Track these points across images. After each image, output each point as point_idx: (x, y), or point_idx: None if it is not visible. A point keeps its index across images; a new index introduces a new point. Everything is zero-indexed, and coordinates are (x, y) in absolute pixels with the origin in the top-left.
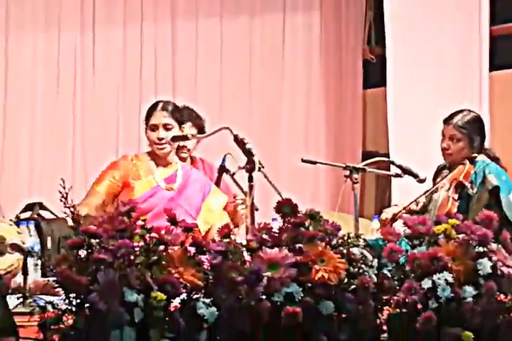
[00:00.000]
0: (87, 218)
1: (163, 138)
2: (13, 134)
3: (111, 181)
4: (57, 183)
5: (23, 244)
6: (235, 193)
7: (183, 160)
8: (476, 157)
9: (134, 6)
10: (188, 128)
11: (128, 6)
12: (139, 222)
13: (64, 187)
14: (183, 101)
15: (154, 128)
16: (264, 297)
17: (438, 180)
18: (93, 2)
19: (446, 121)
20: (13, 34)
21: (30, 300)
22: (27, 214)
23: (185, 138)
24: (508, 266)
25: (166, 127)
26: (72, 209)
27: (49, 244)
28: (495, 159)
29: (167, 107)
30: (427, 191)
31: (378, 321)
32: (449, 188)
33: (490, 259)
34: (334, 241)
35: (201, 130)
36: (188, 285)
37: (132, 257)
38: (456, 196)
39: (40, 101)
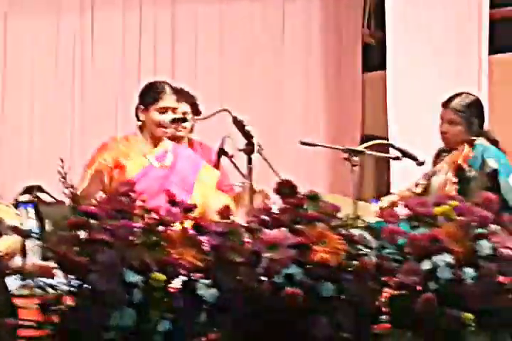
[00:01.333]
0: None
1: (174, 120)
2: (11, 117)
3: (101, 163)
4: (56, 166)
5: (22, 226)
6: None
7: (179, 139)
8: (474, 140)
9: None
10: (182, 105)
11: None
12: (138, 202)
13: (63, 167)
14: (183, 85)
15: (164, 110)
16: (264, 278)
17: (438, 163)
18: None
19: (445, 104)
20: (12, 18)
21: (30, 282)
22: (26, 197)
23: (184, 119)
24: (507, 248)
25: (174, 111)
26: (71, 190)
27: (48, 227)
28: (494, 142)
29: (173, 90)
30: (426, 174)
31: (378, 303)
32: (448, 171)
33: (490, 241)
34: (334, 223)
35: (194, 107)
36: (187, 266)
37: (132, 238)
38: (455, 179)
39: (39, 84)
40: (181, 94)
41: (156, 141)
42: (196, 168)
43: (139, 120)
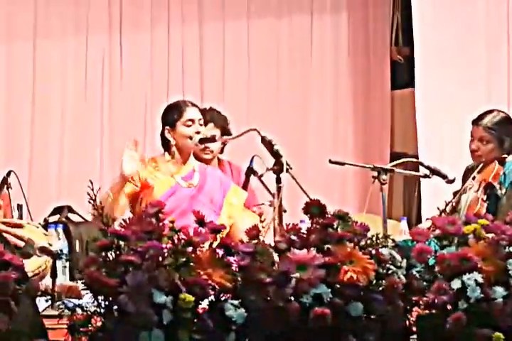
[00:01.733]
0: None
1: (199, 132)
2: (42, 138)
3: (130, 182)
4: (85, 187)
5: (51, 246)
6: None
7: (207, 161)
8: (505, 158)
9: (161, 9)
10: (211, 129)
11: (155, 9)
12: (167, 223)
13: (92, 189)
14: (211, 103)
15: (191, 123)
16: (292, 298)
17: (467, 181)
18: (120, 5)
19: (476, 122)
20: (41, 39)
21: (59, 303)
22: (55, 218)
23: (212, 140)
24: None
25: (200, 122)
26: (100, 211)
27: (77, 248)
28: None
29: (195, 104)
30: (456, 192)
31: (407, 322)
32: (478, 189)
33: None
34: (363, 242)
35: (225, 131)
36: (216, 286)
37: (161, 259)
38: (484, 197)
39: (69, 105)
40: (211, 117)
41: (183, 158)
42: (224, 189)
43: (165, 143)
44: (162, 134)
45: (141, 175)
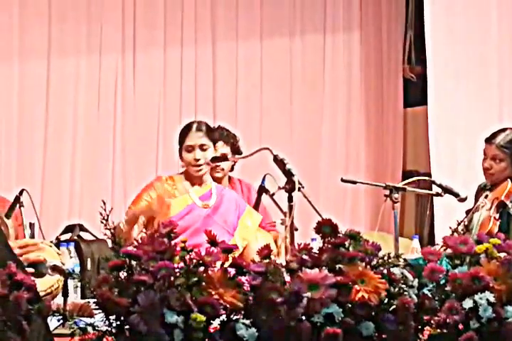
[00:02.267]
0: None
1: (199, 159)
2: (54, 156)
3: (147, 201)
4: (97, 205)
5: (63, 265)
6: (273, 221)
7: (218, 180)
8: None
9: (174, 29)
10: (220, 147)
11: (168, 29)
12: (179, 242)
13: (105, 209)
14: (224, 122)
15: (190, 149)
16: (304, 318)
17: (480, 199)
18: (134, 25)
19: (489, 140)
20: (55, 58)
21: (71, 322)
22: (67, 236)
23: (224, 158)
24: None
25: (202, 148)
26: (112, 231)
27: (89, 266)
28: None
29: (201, 127)
30: (469, 211)
31: None
32: (491, 207)
33: None
34: (374, 262)
35: (234, 148)
36: (227, 306)
37: (172, 278)
38: (497, 215)
39: (82, 124)
40: (220, 135)
41: (194, 179)
42: (240, 211)
43: (182, 160)
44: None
45: (159, 194)
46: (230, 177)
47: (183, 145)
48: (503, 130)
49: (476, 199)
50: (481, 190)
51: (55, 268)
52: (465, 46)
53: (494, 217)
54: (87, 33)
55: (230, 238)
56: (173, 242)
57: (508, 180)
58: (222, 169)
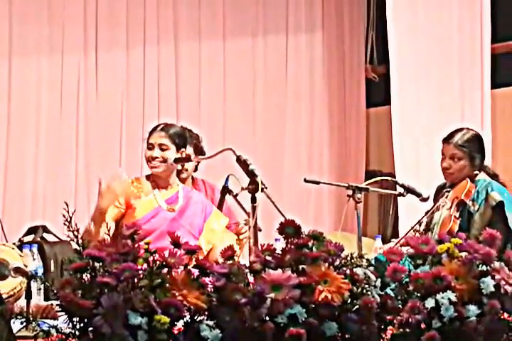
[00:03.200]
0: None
1: (156, 157)
2: (16, 157)
3: (115, 206)
4: (60, 206)
5: (26, 267)
6: (238, 221)
7: (183, 181)
8: (477, 175)
9: (136, 29)
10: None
11: (131, 29)
12: (142, 244)
13: (68, 211)
14: (186, 123)
15: (151, 147)
16: (267, 318)
17: (439, 199)
18: (96, 25)
19: (446, 140)
20: (16, 58)
21: (34, 324)
22: (30, 238)
23: (187, 159)
24: (511, 285)
25: (162, 147)
26: (75, 233)
27: (52, 267)
28: (494, 176)
29: (167, 129)
30: (428, 211)
31: None
32: (451, 207)
33: (493, 278)
34: (337, 262)
35: (198, 149)
36: (191, 307)
37: (136, 280)
38: (457, 214)
39: (44, 124)
40: (183, 136)
41: (159, 180)
42: (206, 214)
43: None
44: None
45: (125, 197)
46: (193, 178)
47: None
48: (460, 129)
49: (436, 200)
50: (440, 190)
51: (18, 270)
52: (427, 46)
53: (455, 216)
54: (49, 32)
55: (195, 241)
56: (137, 245)
57: (467, 179)
58: (186, 170)
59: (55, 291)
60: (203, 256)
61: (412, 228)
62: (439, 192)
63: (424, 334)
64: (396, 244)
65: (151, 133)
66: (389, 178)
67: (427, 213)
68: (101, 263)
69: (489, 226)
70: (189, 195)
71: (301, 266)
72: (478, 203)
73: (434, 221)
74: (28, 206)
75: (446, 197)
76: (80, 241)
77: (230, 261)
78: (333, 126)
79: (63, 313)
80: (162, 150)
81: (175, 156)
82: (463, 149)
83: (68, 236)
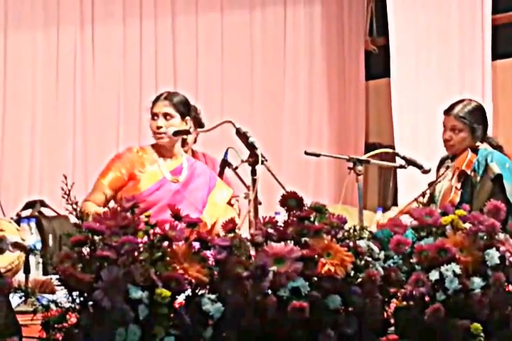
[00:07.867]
0: (90, 215)
1: (161, 127)
2: (13, 132)
3: (117, 175)
4: (58, 180)
5: (24, 241)
6: (237, 195)
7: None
8: (478, 146)
9: (133, 3)
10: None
11: (127, 3)
12: (143, 217)
13: (66, 184)
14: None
15: (155, 116)
16: (270, 292)
17: (441, 170)
18: None
19: (447, 111)
20: (11, 32)
21: (33, 299)
22: (28, 212)
23: (187, 132)
24: None
25: (166, 117)
26: (74, 206)
27: (50, 242)
28: (498, 147)
29: (171, 97)
30: (431, 183)
31: (385, 314)
32: (452, 177)
33: (498, 250)
34: (340, 234)
35: (196, 121)
36: (192, 281)
37: (136, 253)
38: (459, 185)
39: (40, 99)
40: (187, 104)
41: (164, 150)
42: (210, 187)
43: None
44: None
45: (129, 167)
46: (193, 152)
47: (151, 113)
48: (461, 101)
49: (438, 172)
50: (442, 162)
51: (16, 245)
52: (427, 17)
53: (456, 187)
54: (44, 6)
55: (198, 215)
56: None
57: (468, 149)
58: (187, 143)
59: (54, 265)
60: (207, 230)
61: (415, 199)
62: (442, 164)
63: (429, 307)
64: (398, 213)
65: (154, 102)
66: (390, 150)
67: (430, 185)
68: (100, 237)
69: (490, 198)
70: (193, 167)
71: (303, 239)
72: (479, 174)
73: (437, 192)
74: (26, 180)
75: (447, 169)
76: (79, 215)
77: (232, 234)
78: (333, 99)
79: (62, 288)
80: (166, 119)
81: (180, 124)
82: (463, 121)
83: (67, 209)
